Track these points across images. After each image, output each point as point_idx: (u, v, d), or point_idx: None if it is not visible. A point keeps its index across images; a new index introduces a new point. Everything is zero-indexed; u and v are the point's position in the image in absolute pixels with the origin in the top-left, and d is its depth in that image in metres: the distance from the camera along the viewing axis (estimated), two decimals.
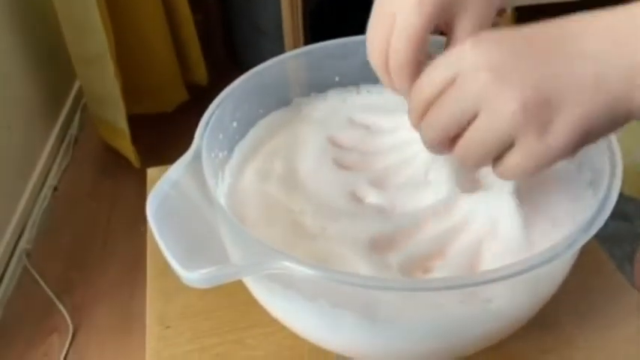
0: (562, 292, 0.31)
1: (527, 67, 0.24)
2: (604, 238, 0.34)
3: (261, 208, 0.35)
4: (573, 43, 0.24)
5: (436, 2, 0.29)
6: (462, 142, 0.26)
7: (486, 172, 0.35)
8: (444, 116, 0.26)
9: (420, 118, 0.28)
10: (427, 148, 0.28)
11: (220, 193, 0.37)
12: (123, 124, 1.28)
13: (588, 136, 0.25)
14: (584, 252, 0.27)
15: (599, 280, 0.40)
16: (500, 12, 0.36)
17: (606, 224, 0.27)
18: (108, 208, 1.27)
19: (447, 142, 0.27)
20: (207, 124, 0.36)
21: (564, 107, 0.24)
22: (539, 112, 0.24)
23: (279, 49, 1.35)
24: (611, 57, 0.24)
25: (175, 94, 1.47)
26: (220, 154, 0.38)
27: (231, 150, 0.40)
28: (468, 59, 0.25)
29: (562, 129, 0.24)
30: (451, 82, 0.25)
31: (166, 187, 0.31)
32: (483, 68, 0.24)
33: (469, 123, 0.25)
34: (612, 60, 0.24)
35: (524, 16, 1.84)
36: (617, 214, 0.29)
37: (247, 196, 0.37)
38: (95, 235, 1.21)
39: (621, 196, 0.29)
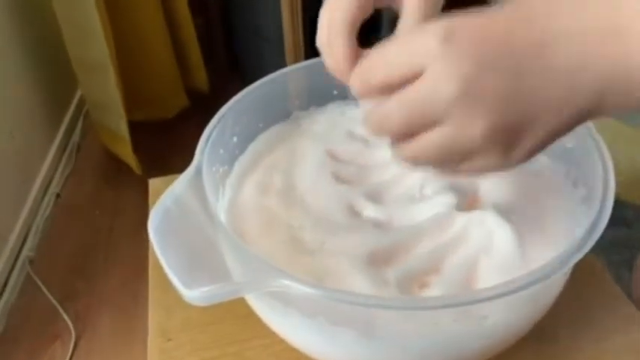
0: (558, 304, 0.32)
1: (499, 83, 0.23)
2: (602, 244, 0.34)
3: (261, 223, 0.36)
4: (548, 56, 0.23)
5: None
6: (421, 144, 0.25)
7: (482, 190, 0.36)
8: (405, 112, 0.24)
9: (368, 93, 0.26)
10: (372, 133, 0.26)
11: (221, 208, 0.37)
12: (124, 131, 1.28)
13: (551, 144, 0.25)
14: (580, 262, 0.27)
15: (595, 291, 0.40)
16: None
17: (604, 230, 0.27)
18: (110, 215, 1.28)
19: (399, 136, 0.25)
20: (208, 139, 0.36)
21: (532, 128, 0.23)
22: (507, 135, 0.23)
23: (280, 55, 1.36)
24: (585, 70, 0.23)
25: (176, 100, 1.47)
26: (221, 169, 0.39)
27: (231, 164, 0.40)
28: (439, 62, 0.23)
29: (528, 147, 0.24)
30: (414, 76, 0.23)
31: (168, 202, 0.32)
32: (454, 79, 0.22)
33: (431, 127, 0.24)
34: (585, 73, 0.23)
35: None
36: (616, 219, 0.29)
37: (247, 210, 0.37)
38: (98, 242, 1.22)
39: (619, 201, 0.29)
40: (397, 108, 0.24)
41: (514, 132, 0.23)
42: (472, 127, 0.23)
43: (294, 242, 0.34)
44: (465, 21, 0.24)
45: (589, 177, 0.32)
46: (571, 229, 0.32)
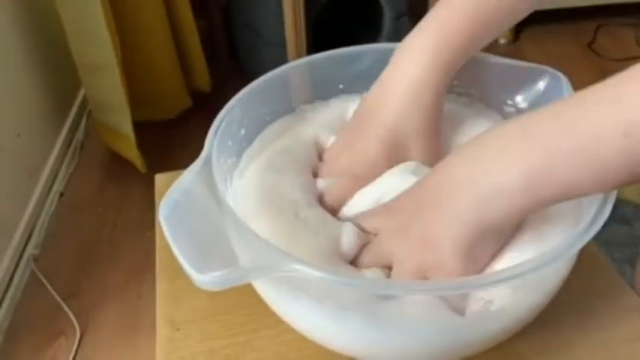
0: (562, 294, 0.32)
1: (416, 228, 0.31)
2: (604, 241, 0.34)
3: (262, 200, 0.36)
4: (447, 206, 0.30)
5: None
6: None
7: None
8: (370, 257, 0.33)
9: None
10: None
11: (228, 197, 0.38)
12: (128, 130, 1.28)
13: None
14: (584, 255, 0.28)
15: (599, 283, 0.40)
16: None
17: (606, 228, 0.28)
18: (114, 213, 1.28)
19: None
20: (217, 130, 0.37)
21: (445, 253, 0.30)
22: (430, 264, 0.31)
23: (282, 57, 1.36)
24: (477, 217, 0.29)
25: (179, 101, 1.47)
26: (229, 160, 0.39)
27: (239, 156, 0.41)
28: (381, 224, 0.34)
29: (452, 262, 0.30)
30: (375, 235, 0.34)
31: (177, 192, 0.32)
32: (387, 233, 0.33)
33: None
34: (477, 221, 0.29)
35: (526, 20, 1.85)
36: (617, 217, 0.30)
37: (249, 188, 0.38)
38: (101, 239, 1.22)
39: (621, 199, 0.29)
40: (367, 253, 0.33)
41: (435, 261, 0.30)
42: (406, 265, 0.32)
43: (296, 220, 0.34)
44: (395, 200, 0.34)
45: None
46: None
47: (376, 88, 0.39)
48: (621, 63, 1.61)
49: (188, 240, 0.29)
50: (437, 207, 0.30)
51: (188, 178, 0.33)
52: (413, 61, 0.36)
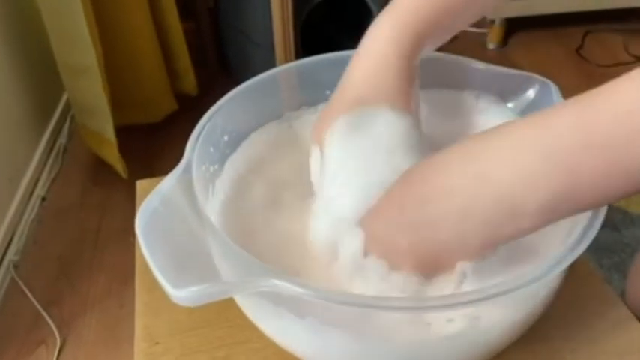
0: (551, 305, 0.32)
1: (400, 236, 0.30)
2: (592, 248, 0.34)
3: (276, 243, 0.35)
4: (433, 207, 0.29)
5: None
6: None
7: None
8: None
9: None
10: None
11: (211, 208, 0.37)
12: (111, 134, 1.26)
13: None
14: (574, 265, 0.27)
15: (588, 292, 0.40)
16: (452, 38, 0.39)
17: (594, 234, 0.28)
18: (97, 218, 1.26)
19: None
20: (198, 137, 0.36)
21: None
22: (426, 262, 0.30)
23: (270, 60, 1.35)
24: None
25: (164, 104, 1.45)
26: (211, 168, 0.38)
27: (222, 163, 0.40)
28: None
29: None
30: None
31: (156, 201, 0.31)
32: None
33: None
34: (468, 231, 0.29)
35: (514, 26, 1.88)
36: (605, 224, 0.29)
37: (257, 226, 0.36)
38: (84, 246, 1.20)
39: (609, 206, 0.29)
40: None
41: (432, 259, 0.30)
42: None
43: (306, 263, 0.33)
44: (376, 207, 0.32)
45: None
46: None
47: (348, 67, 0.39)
48: (609, 69, 1.63)
49: (165, 252, 0.29)
50: (438, 228, 0.29)
51: (166, 186, 0.32)
52: (375, 34, 0.37)
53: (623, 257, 0.76)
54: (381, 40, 0.36)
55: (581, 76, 1.64)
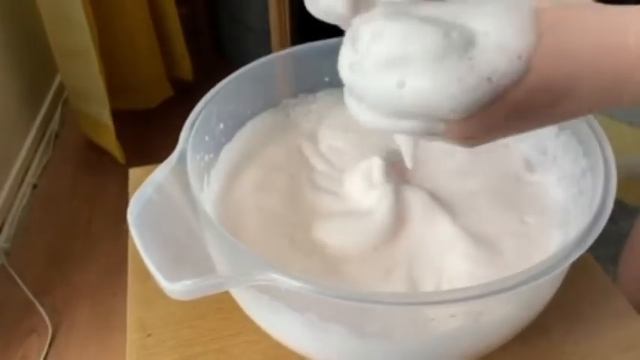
0: (552, 300, 0.31)
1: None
2: None
3: (260, 223, 0.35)
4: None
5: None
6: None
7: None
8: None
9: None
10: None
11: (206, 198, 0.36)
12: (107, 118, 1.25)
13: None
14: (575, 260, 0.27)
15: (588, 286, 0.39)
16: None
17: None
18: (89, 206, 1.25)
19: None
20: (192, 125, 0.35)
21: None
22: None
23: (266, 45, 1.34)
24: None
25: (159, 89, 1.44)
26: (206, 157, 0.37)
27: (217, 152, 0.39)
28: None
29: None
30: None
31: (149, 191, 0.30)
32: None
33: None
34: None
35: None
36: None
37: (245, 209, 0.36)
38: (76, 233, 1.19)
39: None
40: None
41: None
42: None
43: (293, 244, 0.33)
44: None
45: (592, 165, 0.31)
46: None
47: None
48: None
49: (159, 244, 0.28)
50: None
51: (160, 176, 0.31)
52: None
53: (619, 249, 0.75)
54: None
55: None
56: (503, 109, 0.24)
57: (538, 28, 0.23)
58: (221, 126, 0.39)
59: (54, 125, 1.45)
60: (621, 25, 0.23)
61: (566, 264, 0.26)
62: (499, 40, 0.23)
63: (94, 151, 1.34)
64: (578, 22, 0.24)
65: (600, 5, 0.24)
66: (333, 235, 0.33)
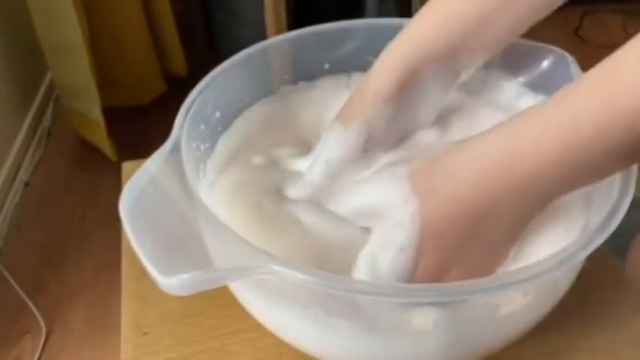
0: (566, 294, 0.30)
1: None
2: None
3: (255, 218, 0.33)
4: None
5: None
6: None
7: None
8: None
9: None
10: None
11: (202, 189, 0.34)
12: (98, 115, 1.24)
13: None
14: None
15: (604, 282, 0.39)
16: None
17: None
18: (83, 203, 1.24)
19: None
20: (187, 112, 0.33)
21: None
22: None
23: (261, 39, 1.33)
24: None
25: (152, 85, 1.43)
26: (202, 147, 0.36)
27: (213, 142, 0.37)
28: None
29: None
30: None
31: (142, 182, 0.29)
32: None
33: None
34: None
35: None
36: None
37: (240, 203, 0.34)
38: (69, 232, 1.18)
39: None
40: None
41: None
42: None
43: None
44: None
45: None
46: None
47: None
48: (608, 49, 1.61)
49: (153, 236, 0.27)
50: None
51: (153, 165, 0.30)
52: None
53: (624, 241, 0.74)
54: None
55: (579, 56, 1.63)
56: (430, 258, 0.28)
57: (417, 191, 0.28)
58: (217, 114, 0.37)
59: (46, 122, 1.45)
60: (486, 150, 0.27)
61: (588, 252, 0.25)
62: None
63: (87, 148, 1.33)
64: (452, 166, 0.28)
65: (460, 144, 0.29)
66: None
